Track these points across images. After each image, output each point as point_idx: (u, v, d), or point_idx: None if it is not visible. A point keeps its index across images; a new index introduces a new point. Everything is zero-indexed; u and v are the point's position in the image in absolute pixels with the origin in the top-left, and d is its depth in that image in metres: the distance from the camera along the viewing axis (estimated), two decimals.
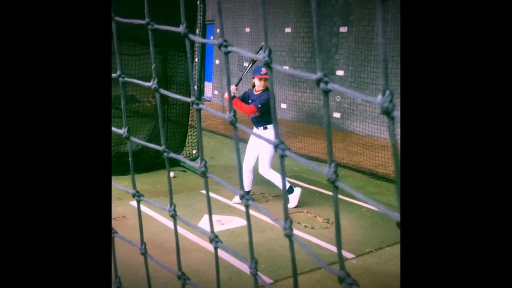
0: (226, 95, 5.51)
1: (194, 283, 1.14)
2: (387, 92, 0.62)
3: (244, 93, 5.56)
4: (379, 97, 0.64)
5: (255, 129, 5.48)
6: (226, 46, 0.93)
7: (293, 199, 5.47)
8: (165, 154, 1.14)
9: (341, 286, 0.75)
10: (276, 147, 0.83)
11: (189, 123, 7.50)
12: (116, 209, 5.06)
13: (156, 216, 4.91)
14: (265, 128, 5.38)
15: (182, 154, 7.31)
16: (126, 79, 1.24)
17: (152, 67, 1.16)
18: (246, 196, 0.97)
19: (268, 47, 0.83)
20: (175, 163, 7.04)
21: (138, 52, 6.41)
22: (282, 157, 0.83)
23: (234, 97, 5.46)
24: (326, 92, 0.72)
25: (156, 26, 1.11)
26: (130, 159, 1.30)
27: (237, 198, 5.62)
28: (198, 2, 7.02)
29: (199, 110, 1.07)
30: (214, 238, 1.05)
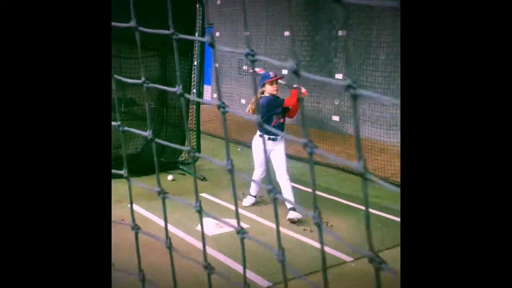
0: (247, 109, 5.35)
1: (220, 272, 1.16)
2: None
3: (264, 102, 5.22)
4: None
5: (269, 141, 5.27)
6: (253, 55, 0.93)
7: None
8: (190, 154, 1.15)
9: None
10: (305, 145, 0.85)
11: (188, 126, 7.50)
12: (116, 212, 5.05)
13: (155, 219, 4.91)
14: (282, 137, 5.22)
15: (181, 157, 7.31)
16: (150, 85, 1.25)
17: (177, 75, 1.17)
18: (273, 190, 0.96)
19: (297, 58, 0.85)
20: (174, 166, 7.05)
21: (140, 55, 6.41)
22: (311, 154, 0.84)
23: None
24: (355, 97, 0.76)
25: (180, 36, 1.12)
26: (155, 159, 1.31)
27: (246, 201, 5.60)
28: (197, 6, 7.04)
29: (224, 114, 1.07)
30: (240, 230, 1.07)
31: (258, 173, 5.44)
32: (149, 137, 1.26)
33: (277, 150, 5.27)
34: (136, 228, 1.33)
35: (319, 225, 0.85)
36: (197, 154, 1.13)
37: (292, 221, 5.08)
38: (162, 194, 1.27)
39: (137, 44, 1.21)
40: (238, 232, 1.07)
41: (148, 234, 1.31)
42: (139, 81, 1.24)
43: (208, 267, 1.16)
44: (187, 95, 1.15)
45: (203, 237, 1.22)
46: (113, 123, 1.24)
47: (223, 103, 1.06)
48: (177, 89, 1.15)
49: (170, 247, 1.26)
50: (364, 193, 0.77)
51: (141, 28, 1.21)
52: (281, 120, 5.25)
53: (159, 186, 1.26)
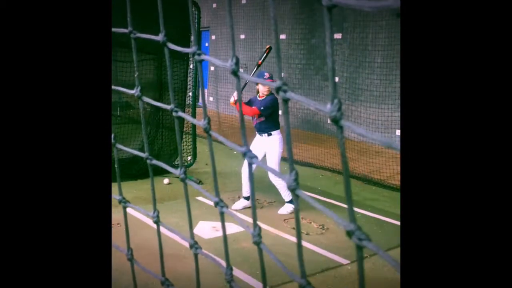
0: (232, 100, 5.55)
1: None
2: (336, 101, 0.63)
3: (249, 100, 5.58)
4: (328, 105, 0.64)
5: (258, 136, 5.49)
6: (199, 55, 0.94)
7: (290, 207, 5.45)
8: (148, 161, 1.15)
9: None
10: (244, 155, 0.85)
11: (184, 129, 7.49)
12: (112, 215, 5.05)
13: (150, 222, 4.89)
14: (270, 134, 5.37)
15: (177, 161, 7.29)
16: (113, 87, 1.25)
17: (135, 75, 1.17)
18: (220, 203, 0.97)
19: (236, 56, 0.85)
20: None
21: (133, 58, 6.40)
22: (250, 165, 0.84)
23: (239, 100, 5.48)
24: (286, 101, 0.74)
25: (138, 34, 1.13)
26: (116, 166, 1.30)
27: (236, 205, 5.62)
28: (192, 9, 7.04)
29: (177, 118, 1.08)
30: (194, 245, 1.05)
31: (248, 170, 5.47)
32: (112, 141, 1.25)
33: (271, 146, 5.39)
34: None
35: (258, 244, 0.84)
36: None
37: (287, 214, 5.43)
38: (123, 203, 1.26)
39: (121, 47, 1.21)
40: (191, 247, 1.05)
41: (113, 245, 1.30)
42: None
43: (165, 283, 1.16)
44: (145, 98, 1.15)
45: (160, 248, 1.21)
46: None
47: (176, 107, 1.06)
48: (135, 91, 1.15)
49: (131, 259, 1.25)
50: (295, 211, 0.76)
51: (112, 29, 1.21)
52: (262, 119, 5.40)
53: (120, 194, 1.26)
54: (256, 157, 0.86)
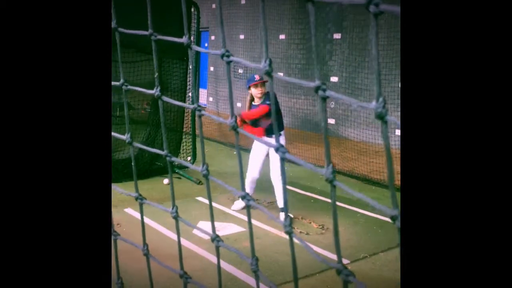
0: (238, 118, 5.14)
1: (196, 282, 1.15)
2: (381, 99, 0.66)
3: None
4: (373, 103, 0.67)
5: (266, 138, 5.25)
6: (228, 56, 0.94)
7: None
8: (167, 158, 1.16)
9: None
10: (277, 150, 0.86)
11: (184, 129, 7.49)
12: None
13: (151, 223, 4.90)
14: (279, 134, 5.24)
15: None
16: (129, 87, 1.26)
17: (155, 76, 1.18)
18: (247, 197, 0.98)
19: (269, 58, 0.85)
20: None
21: (135, 59, 6.41)
22: (283, 159, 0.86)
23: (244, 122, 5.13)
24: (324, 99, 0.76)
25: (159, 37, 1.13)
26: (133, 164, 1.31)
27: (236, 205, 5.62)
28: (192, 10, 7.04)
29: (200, 117, 1.09)
30: (215, 238, 1.07)
31: (255, 173, 5.43)
32: (127, 141, 1.26)
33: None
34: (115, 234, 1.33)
35: (289, 234, 0.86)
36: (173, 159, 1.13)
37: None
38: (140, 199, 1.27)
39: (119, 45, 1.21)
40: (213, 240, 1.07)
41: (127, 240, 1.31)
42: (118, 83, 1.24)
43: (184, 276, 1.16)
44: (165, 98, 1.16)
45: (179, 244, 1.22)
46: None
47: (199, 106, 1.07)
48: (155, 91, 1.16)
49: (147, 254, 1.26)
50: (332, 199, 0.77)
51: (120, 29, 1.21)
52: (270, 120, 5.20)
53: (137, 191, 1.27)
54: (287, 151, 0.87)
